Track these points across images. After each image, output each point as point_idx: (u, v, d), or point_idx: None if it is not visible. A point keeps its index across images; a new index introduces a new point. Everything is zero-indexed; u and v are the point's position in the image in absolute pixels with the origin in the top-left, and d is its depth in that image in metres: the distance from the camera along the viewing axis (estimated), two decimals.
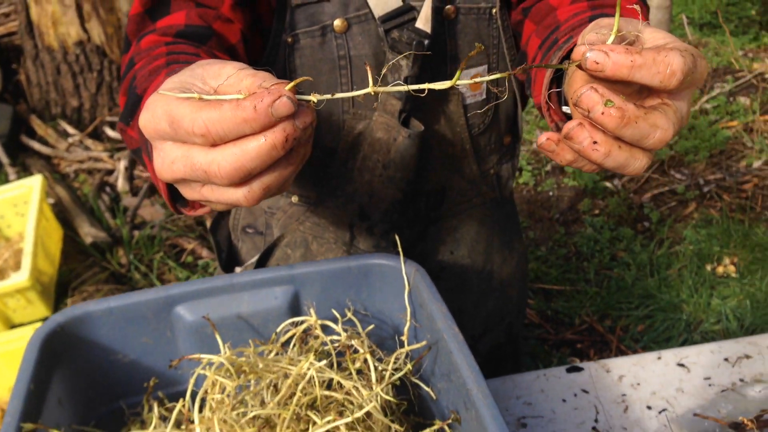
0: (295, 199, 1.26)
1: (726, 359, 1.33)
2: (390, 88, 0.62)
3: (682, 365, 1.32)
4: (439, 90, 1.03)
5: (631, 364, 1.32)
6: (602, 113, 0.60)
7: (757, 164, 3.49)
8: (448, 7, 1.10)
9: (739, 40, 5.13)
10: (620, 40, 0.63)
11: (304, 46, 1.09)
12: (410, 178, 1.18)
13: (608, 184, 3.57)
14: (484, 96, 1.20)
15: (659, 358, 1.34)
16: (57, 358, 1.00)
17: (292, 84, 0.58)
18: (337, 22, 1.08)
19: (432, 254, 1.30)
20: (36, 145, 4.02)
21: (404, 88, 0.60)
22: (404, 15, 1.09)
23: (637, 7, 0.69)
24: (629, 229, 3.30)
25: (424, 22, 1.09)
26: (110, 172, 3.80)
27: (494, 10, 1.13)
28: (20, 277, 2.69)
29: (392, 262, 1.05)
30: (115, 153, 3.93)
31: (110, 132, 4.12)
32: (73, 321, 1.01)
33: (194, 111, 0.58)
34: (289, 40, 1.08)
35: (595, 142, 0.63)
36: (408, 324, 1.02)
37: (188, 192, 0.67)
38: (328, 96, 0.61)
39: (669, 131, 0.62)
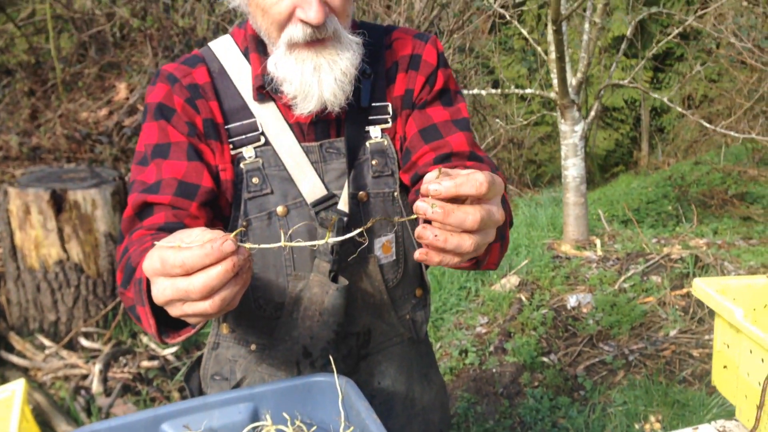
0: (253, 347, 1.60)
1: None
2: (294, 244, 1.03)
3: None
4: (360, 254, 1.47)
5: None
6: (432, 213, 1.00)
7: (672, 333, 3.89)
8: (360, 193, 1.53)
9: (656, 230, 5.75)
10: (446, 175, 1.04)
11: (256, 227, 1.49)
12: (341, 321, 1.54)
13: (545, 359, 3.92)
14: (394, 257, 1.60)
15: None
16: None
17: (233, 234, 0.98)
18: (280, 209, 1.49)
19: (364, 385, 1.63)
20: (14, 359, 4.28)
21: (312, 243, 1.01)
22: (329, 200, 1.51)
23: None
24: (566, 397, 3.61)
25: (343, 204, 1.51)
26: (85, 376, 4.05)
27: (395, 193, 1.56)
28: None
29: (328, 378, 1.39)
30: (90, 359, 4.21)
31: (85, 342, 4.41)
32: None
33: (175, 253, 0.98)
34: (244, 223, 1.49)
35: (435, 235, 1.02)
36: (342, 424, 1.35)
37: (174, 310, 1.04)
38: (257, 246, 1.03)
39: (477, 215, 1.01)
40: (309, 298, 1.52)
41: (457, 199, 1.04)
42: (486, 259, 1.33)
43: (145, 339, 4.50)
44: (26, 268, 4.54)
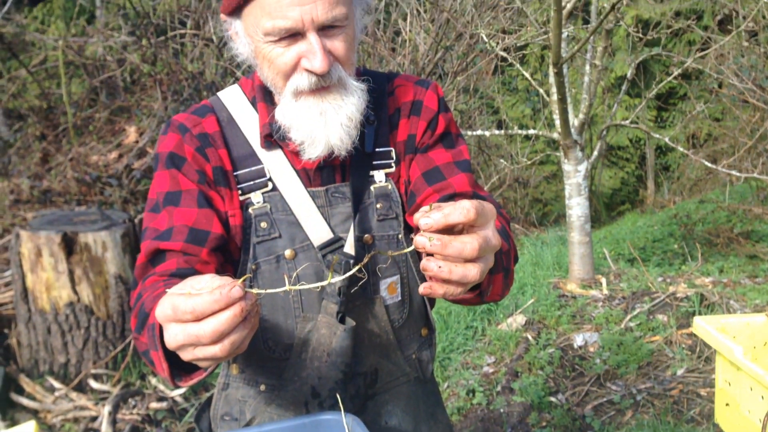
0: (262, 387, 1.64)
1: None
2: (299, 287, 1.08)
3: None
4: (366, 295, 1.51)
5: None
6: (431, 245, 1.05)
7: (680, 372, 3.90)
8: (366, 236, 1.58)
9: (662, 269, 5.77)
10: (435, 209, 1.08)
11: (264, 271, 1.54)
12: (349, 361, 1.58)
13: (553, 399, 3.92)
14: (399, 298, 1.64)
15: None
16: None
17: (240, 280, 1.03)
18: (288, 252, 1.54)
19: (371, 424, 1.66)
20: (24, 401, 4.31)
21: (316, 285, 1.06)
22: (335, 243, 1.55)
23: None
24: None
25: (349, 247, 1.55)
26: (94, 418, 4.07)
27: (399, 236, 1.61)
28: None
29: (336, 416, 1.42)
30: (99, 401, 4.23)
31: (94, 384, 4.43)
32: None
33: (186, 299, 1.02)
34: (253, 267, 1.53)
35: (440, 266, 1.06)
36: None
37: (185, 354, 1.08)
38: (264, 291, 1.07)
39: (475, 243, 1.06)
40: (317, 339, 1.56)
41: (452, 230, 1.09)
42: (489, 289, 1.36)
43: (153, 380, 4.52)
44: (37, 310, 4.58)
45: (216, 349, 1.04)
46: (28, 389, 4.46)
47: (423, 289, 1.13)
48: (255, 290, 1.06)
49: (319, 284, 1.14)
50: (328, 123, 1.46)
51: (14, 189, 6.95)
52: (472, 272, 1.09)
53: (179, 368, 1.22)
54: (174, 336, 1.05)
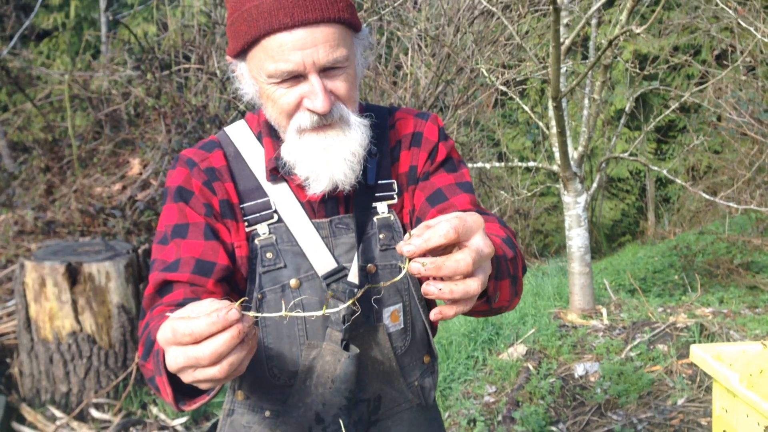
0: (267, 413, 1.67)
1: None
2: (294, 314, 1.12)
3: None
4: (369, 323, 1.56)
5: None
6: (426, 270, 1.08)
7: (680, 401, 3.91)
8: (369, 265, 1.62)
9: (662, 299, 5.79)
10: (426, 228, 1.11)
11: (270, 300, 1.58)
12: (352, 388, 1.61)
13: (554, 429, 3.93)
14: (402, 325, 1.68)
15: None
16: None
17: (237, 303, 1.07)
18: (293, 281, 1.58)
19: None
20: (26, 431, 4.31)
21: (310, 314, 1.10)
22: (339, 273, 1.60)
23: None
24: None
25: (353, 276, 1.59)
26: None
27: (402, 264, 1.65)
28: None
29: None
30: (100, 431, 4.23)
31: (95, 413, 4.44)
32: None
33: (185, 322, 1.06)
34: (259, 296, 1.57)
35: (440, 289, 1.10)
36: None
37: (186, 377, 1.12)
38: (260, 314, 1.12)
39: (468, 258, 1.08)
40: (321, 366, 1.59)
41: (445, 249, 1.12)
42: (497, 296, 1.37)
43: (155, 410, 4.53)
44: (40, 339, 4.61)
45: (215, 371, 1.08)
46: (29, 418, 4.47)
47: (434, 315, 1.16)
48: (251, 313, 1.10)
49: (313, 314, 1.17)
50: (331, 159, 1.51)
51: (18, 220, 7.00)
52: (473, 286, 1.12)
53: (183, 393, 1.26)
54: (174, 358, 1.09)
